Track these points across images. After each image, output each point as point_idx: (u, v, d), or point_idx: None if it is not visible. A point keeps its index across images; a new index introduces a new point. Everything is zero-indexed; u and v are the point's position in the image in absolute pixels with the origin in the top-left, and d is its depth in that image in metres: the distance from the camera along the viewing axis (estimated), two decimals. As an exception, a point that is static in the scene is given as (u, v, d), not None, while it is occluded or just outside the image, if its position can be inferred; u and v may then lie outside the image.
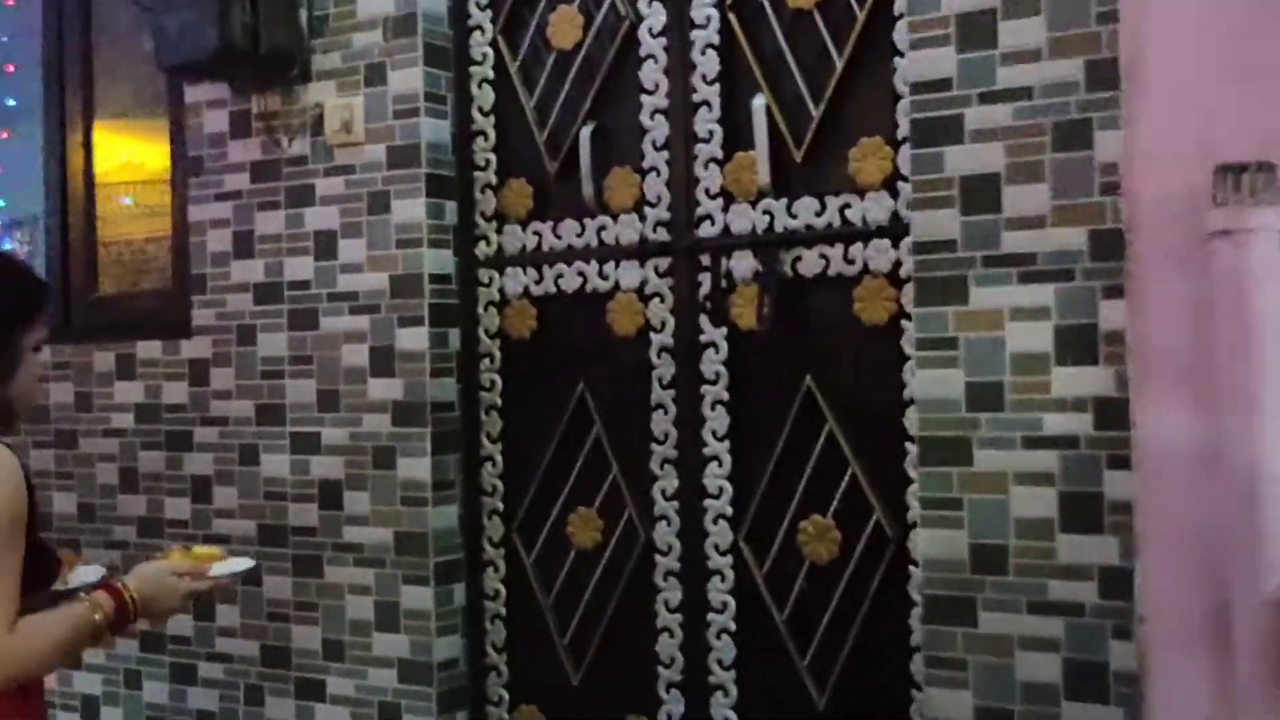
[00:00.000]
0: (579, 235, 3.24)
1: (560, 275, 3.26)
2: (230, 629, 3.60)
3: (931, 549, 2.65)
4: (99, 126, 4.04)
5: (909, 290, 2.78)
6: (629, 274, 3.16)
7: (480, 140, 3.37)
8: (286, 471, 3.51)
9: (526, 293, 3.31)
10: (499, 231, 3.35)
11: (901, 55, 2.74)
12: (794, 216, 2.95)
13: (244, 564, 2.30)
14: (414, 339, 3.30)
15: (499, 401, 3.35)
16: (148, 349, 3.79)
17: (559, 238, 3.27)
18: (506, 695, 3.35)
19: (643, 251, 3.14)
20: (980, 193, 2.58)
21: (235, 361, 3.61)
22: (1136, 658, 2.42)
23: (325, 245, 3.44)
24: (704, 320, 3.06)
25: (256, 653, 3.56)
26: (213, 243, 3.65)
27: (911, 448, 2.76)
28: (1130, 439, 2.43)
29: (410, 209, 3.30)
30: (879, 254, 2.84)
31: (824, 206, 2.91)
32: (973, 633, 2.60)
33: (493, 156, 3.36)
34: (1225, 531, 2.28)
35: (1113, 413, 2.46)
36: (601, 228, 3.20)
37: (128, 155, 4.02)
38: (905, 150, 2.73)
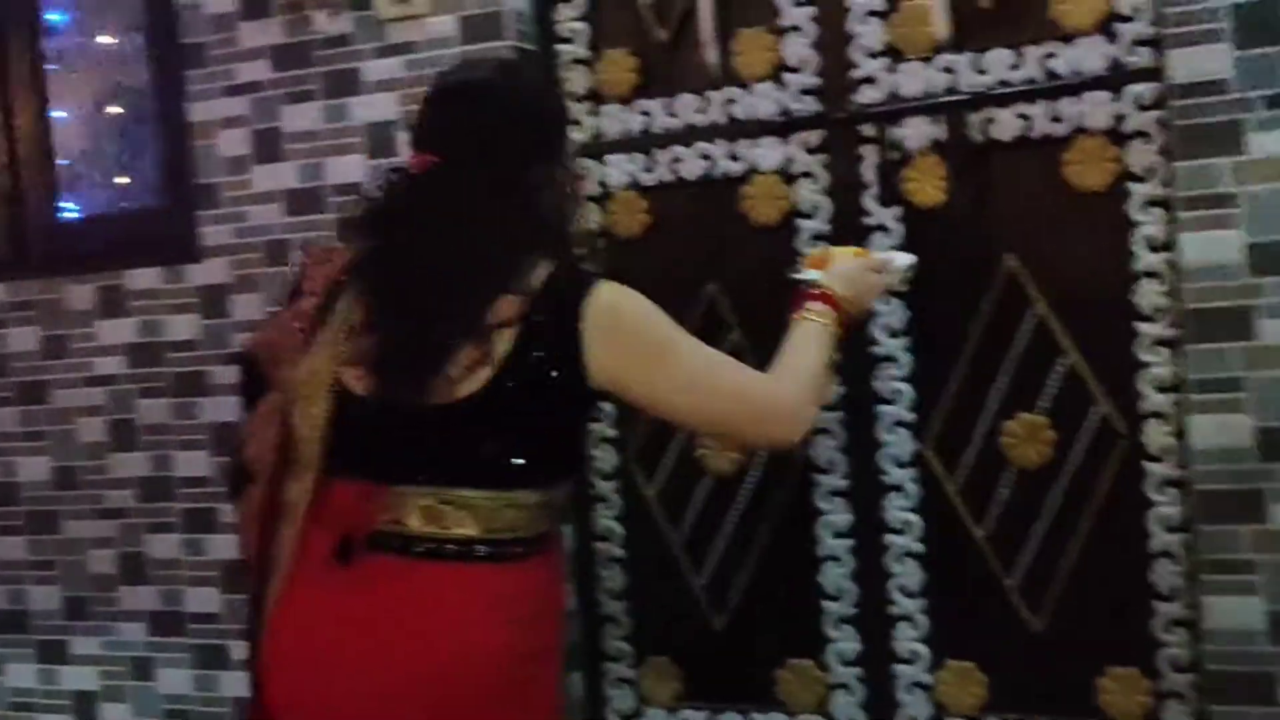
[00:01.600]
0: (700, 112, 2.78)
1: (678, 160, 2.79)
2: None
3: (1205, 438, 2.31)
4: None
5: (1134, 147, 2.44)
6: (769, 154, 2.72)
7: (562, 7, 2.87)
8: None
9: (634, 183, 2.84)
10: (595, 114, 2.86)
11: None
12: (982, 73, 2.55)
13: (911, 258, 2.25)
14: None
15: (605, 311, 2.87)
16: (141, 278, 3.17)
17: (674, 116, 2.80)
18: (631, 649, 2.90)
19: (786, 126, 2.70)
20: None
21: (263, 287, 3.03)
22: None
23: (379, 141, 2.89)
24: (868, 199, 2.65)
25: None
26: (224, 146, 3.05)
27: (1146, 328, 2.44)
28: None
29: (492, 89, 2.78)
30: (1095, 108, 2.47)
31: (1021, 57, 2.53)
32: (1262, 529, 2.28)
33: (581, 25, 2.86)
34: None
35: None
36: (729, 101, 2.75)
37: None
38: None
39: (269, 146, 3.00)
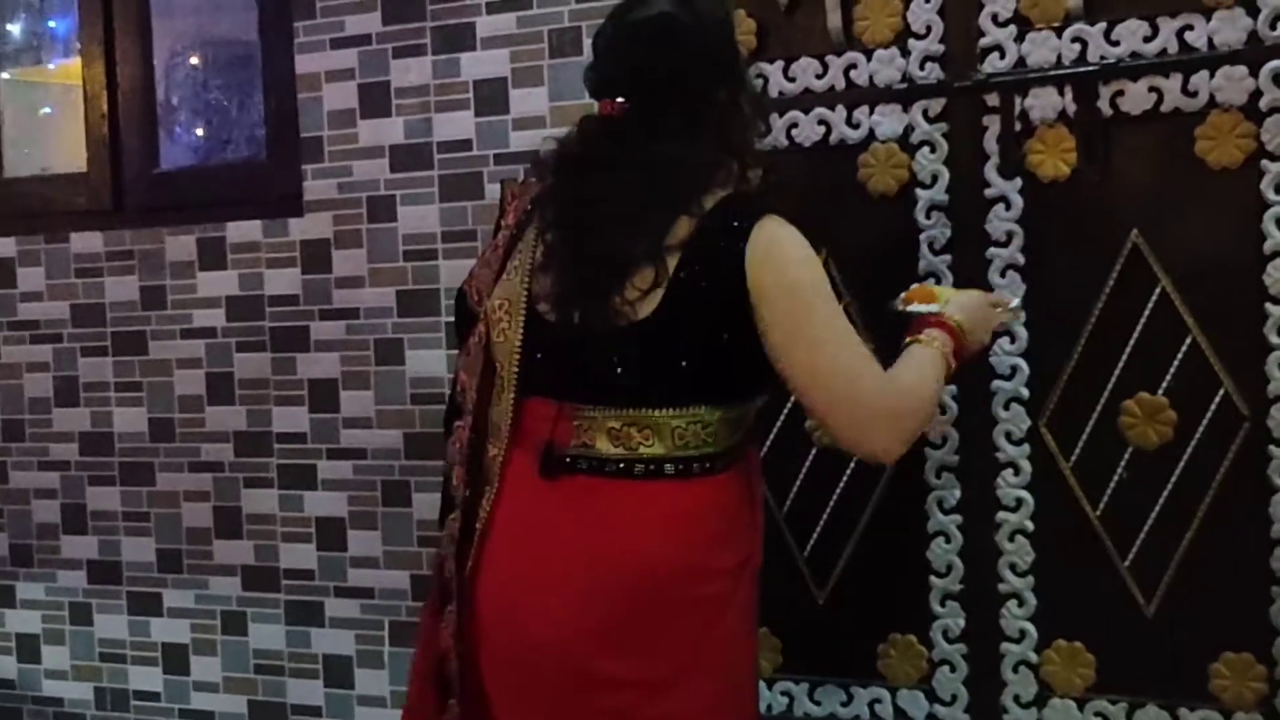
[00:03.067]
0: (819, 77, 2.73)
1: (794, 125, 2.75)
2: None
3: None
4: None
5: (1271, 124, 2.38)
6: (888, 121, 2.68)
7: (680, -32, 2.83)
8: (442, 370, 2.95)
9: (748, 147, 2.80)
10: (708, 76, 2.82)
11: None
12: (1115, 44, 2.50)
13: (1017, 299, 2.38)
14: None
15: (712, 278, 2.84)
16: (243, 231, 3.16)
17: (791, 80, 2.76)
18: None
19: (907, 93, 2.66)
20: None
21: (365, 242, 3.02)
22: None
23: (489, 97, 2.87)
24: (990, 171, 2.60)
25: (405, 585, 3.03)
26: (331, 99, 3.03)
27: (1276, 310, 2.39)
28: None
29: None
30: (1231, 83, 2.42)
31: (1156, 29, 2.47)
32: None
33: (698, -13, 2.82)
34: None
35: None
36: (850, 66, 2.71)
37: None
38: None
39: (376, 100, 2.98)
